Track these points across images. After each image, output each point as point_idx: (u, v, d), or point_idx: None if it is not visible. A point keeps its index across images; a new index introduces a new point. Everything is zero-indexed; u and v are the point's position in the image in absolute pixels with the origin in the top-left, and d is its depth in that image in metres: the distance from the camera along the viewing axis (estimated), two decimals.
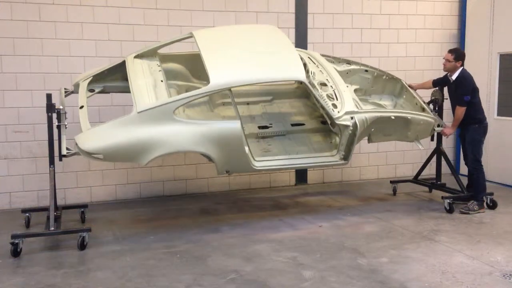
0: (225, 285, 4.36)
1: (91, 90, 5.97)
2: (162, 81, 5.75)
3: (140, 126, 5.17)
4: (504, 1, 8.12)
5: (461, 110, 6.58)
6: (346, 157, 6.12)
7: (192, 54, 6.35)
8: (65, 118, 5.37)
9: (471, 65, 8.78)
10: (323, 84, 6.16)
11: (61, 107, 5.39)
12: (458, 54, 6.68)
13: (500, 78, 8.31)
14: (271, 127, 6.77)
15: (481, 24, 8.52)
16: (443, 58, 6.79)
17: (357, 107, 6.15)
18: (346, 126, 5.87)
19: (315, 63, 6.50)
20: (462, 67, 6.69)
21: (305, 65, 6.29)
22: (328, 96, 6.00)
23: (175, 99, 5.29)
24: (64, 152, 5.26)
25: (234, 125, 5.46)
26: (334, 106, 5.93)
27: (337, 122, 5.86)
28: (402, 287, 4.30)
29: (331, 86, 6.16)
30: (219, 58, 5.61)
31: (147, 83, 5.60)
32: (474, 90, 6.64)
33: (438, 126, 6.87)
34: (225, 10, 7.67)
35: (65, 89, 5.96)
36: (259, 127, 6.73)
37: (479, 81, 8.37)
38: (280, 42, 6.07)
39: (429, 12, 8.88)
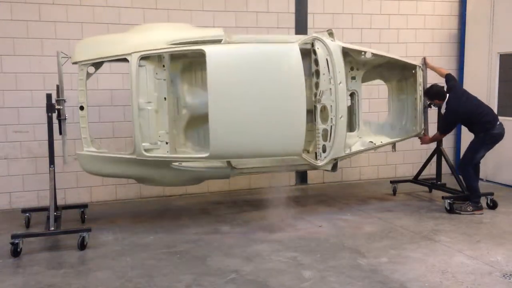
0: (225, 285, 4.36)
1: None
2: (165, 98, 5.72)
3: (138, 166, 5.57)
4: (504, 1, 8.12)
5: (438, 137, 6.93)
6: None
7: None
8: (64, 101, 5.51)
9: (471, 65, 8.81)
10: (324, 110, 6.13)
11: (62, 101, 5.47)
12: (430, 97, 6.75)
13: (500, 78, 8.30)
14: None
15: (481, 24, 8.51)
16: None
17: (346, 149, 6.30)
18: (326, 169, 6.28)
19: (329, 72, 6.03)
20: (448, 97, 6.60)
21: (317, 72, 6.05)
22: (323, 133, 6.12)
23: (174, 156, 5.65)
24: (66, 161, 5.65)
25: (225, 171, 6.00)
26: (324, 149, 6.14)
27: (318, 168, 6.20)
28: (402, 287, 4.30)
29: (332, 118, 6.06)
30: (224, 121, 5.44)
31: (149, 112, 5.58)
32: (465, 116, 6.60)
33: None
34: (225, 10, 7.67)
35: (62, 53, 5.57)
36: None
37: (479, 81, 8.41)
38: (294, 92, 5.60)
39: (429, 12, 8.88)
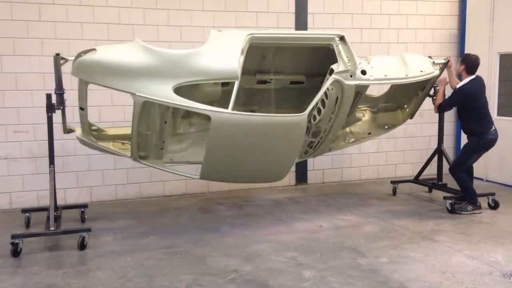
0: (225, 285, 4.36)
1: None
2: (166, 122, 5.76)
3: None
4: (504, 1, 8.12)
5: (435, 108, 6.99)
6: None
7: None
8: (64, 91, 5.54)
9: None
10: (317, 132, 6.24)
11: (61, 94, 5.48)
12: (465, 62, 6.52)
13: (500, 78, 8.30)
14: (269, 82, 6.80)
15: (481, 24, 8.51)
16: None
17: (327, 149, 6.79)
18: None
19: (335, 107, 5.91)
20: (468, 80, 6.44)
21: (323, 102, 5.89)
22: (310, 144, 6.37)
23: (169, 170, 5.95)
24: (66, 132, 5.85)
25: None
26: (305, 152, 6.54)
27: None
28: (402, 287, 4.30)
29: (321, 137, 6.25)
30: (219, 158, 5.58)
31: (148, 136, 5.76)
32: (466, 102, 6.45)
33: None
34: (225, 10, 7.67)
35: (61, 56, 5.47)
36: (258, 82, 6.72)
37: None
38: (290, 151, 5.84)
39: (429, 12, 8.88)
